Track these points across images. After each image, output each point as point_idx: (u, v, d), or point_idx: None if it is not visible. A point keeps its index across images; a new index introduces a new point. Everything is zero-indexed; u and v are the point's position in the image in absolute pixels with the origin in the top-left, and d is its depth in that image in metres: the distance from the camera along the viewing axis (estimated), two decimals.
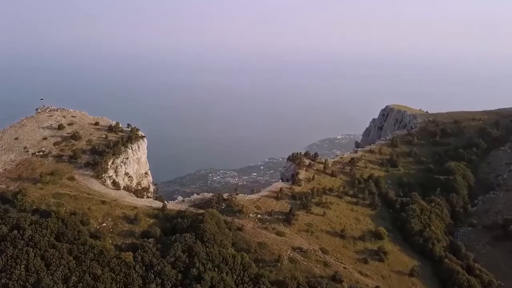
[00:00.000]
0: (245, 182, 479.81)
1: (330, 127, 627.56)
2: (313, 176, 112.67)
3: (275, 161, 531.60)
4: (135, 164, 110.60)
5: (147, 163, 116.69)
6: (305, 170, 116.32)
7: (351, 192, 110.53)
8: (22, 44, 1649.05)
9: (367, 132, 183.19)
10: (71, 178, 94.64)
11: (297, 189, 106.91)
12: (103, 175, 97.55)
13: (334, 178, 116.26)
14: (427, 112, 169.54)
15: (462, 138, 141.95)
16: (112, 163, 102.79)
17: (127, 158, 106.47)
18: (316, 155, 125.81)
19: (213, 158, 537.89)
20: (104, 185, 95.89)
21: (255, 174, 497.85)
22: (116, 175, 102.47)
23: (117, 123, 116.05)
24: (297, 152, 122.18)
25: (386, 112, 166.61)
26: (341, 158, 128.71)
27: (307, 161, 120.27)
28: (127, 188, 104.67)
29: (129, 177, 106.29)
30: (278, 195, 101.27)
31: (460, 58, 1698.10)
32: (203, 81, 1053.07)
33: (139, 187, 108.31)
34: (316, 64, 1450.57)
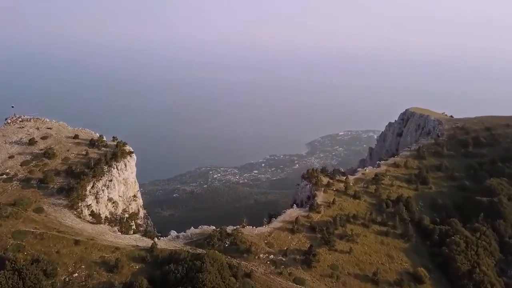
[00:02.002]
0: (246, 180, 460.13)
1: (332, 123, 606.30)
2: (334, 200, 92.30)
3: (276, 158, 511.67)
4: (121, 186, 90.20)
5: (136, 183, 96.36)
6: (324, 192, 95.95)
7: (379, 219, 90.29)
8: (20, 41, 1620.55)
9: (382, 137, 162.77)
10: (39, 210, 74.43)
11: (315, 217, 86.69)
12: (80, 204, 77.17)
13: (358, 201, 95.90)
14: (451, 116, 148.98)
15: (498, 148, 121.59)
16: (92, 187, 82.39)
17: (110, 181, 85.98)
18: (334, 172, 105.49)
19: (213, 155, 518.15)
20: (80, 217, 75.60)
21: (256, 171, 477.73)
22: (97, 202, 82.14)
23: (100, 136, 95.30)
24: (313, 169, 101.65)
25: (406, 117, 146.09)
26: (363, 174, 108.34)
27: (325, 180, 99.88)
28: (111, 216, 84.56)
29: (113, 203, 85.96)
30: (294, 227, 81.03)
31: (459, 55, 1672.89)
32: (205, 77, 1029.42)
33: (126, 214, 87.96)
34: (318, 59, 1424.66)
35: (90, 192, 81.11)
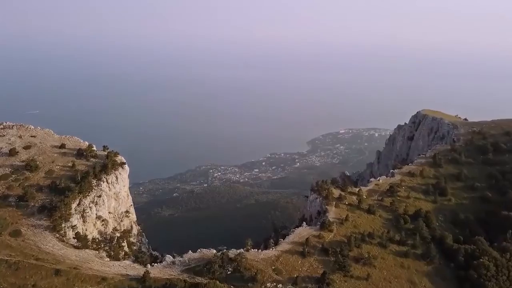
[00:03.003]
0: (246, 179, 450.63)
1: (333, 121, 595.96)
2: (347, 216, 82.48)
3: (277, 156, 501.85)
4: (111, 202, 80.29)
5: (129, 196, 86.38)
6: (335, 206, 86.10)
7: (397, 238, 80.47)
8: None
9: (391, 140, 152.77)
10: (16, 233, 64.58)
11: (328, 236, 76.92)
12: (63, 226, 67.29)
13: (373, 216, 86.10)
14: (465, 119, 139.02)
15: None
16: (78, 204, 72.49)
17: (99, 196, 76.06)
18: (345, 182, 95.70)
19: (214, 153, 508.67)
20: (63, 240, 65.76)
21: (256, 170, 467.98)
22: (84, 221, 72.27)
23: (90, 146, 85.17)
24: (323, 181, 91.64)
25: (417, 119, 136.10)
26: (376, 184, 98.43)
27: (336, 192, 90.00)
28: (100, 236, 74.86)
29: (102, 221, 76.10)
30: (304, 249, 71.32)
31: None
32: (205, 75, 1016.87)
33: (117, 234, 78.13)
34: (318, 57, 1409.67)
35: (75, 210, 71.23)
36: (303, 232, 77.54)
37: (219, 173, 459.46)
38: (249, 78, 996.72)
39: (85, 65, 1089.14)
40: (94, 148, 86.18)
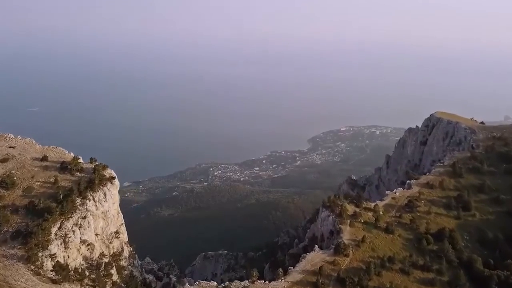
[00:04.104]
0: (247, 178, 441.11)
1: (333, 119, 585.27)
2: (364, 237, 72.47)
3: (277, 154, 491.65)
4: (99, 222, 70.10)
5: (120, 214, 76.15)
6: (350, 225, 76.10)
7: (421, 262, 70.47)
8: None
9: (400, 143, 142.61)
10: None
11: (343, 262, 66.94)
12: (40, 255, 57.03)
13: (392, 236, 76.06)
14: (482, 123, 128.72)
15: None
16: (60, 228, 62.20)
17: (84, 217, 65.80)
18: (359, 196, 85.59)
19: (214, 151, 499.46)
20: (40, 273, 55.51)
21: (257, 168, 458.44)
22: (66, 248, 62.03)
23: (75, 158, 74.76)
24: (335, 196, 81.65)
25: (431, 123, 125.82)
26: (393, 198, 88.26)
27: (350, 209, 79.94)
28: (86, 263, 64.82)
29: (87, 245, 65.83)
30: (318, 280, 61.34)
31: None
32: (204, 71, 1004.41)
33: (105, 259, 67.99)
34: (319, 54, 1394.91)
35: (56, 235, 60.97)
36: (315, 258, 67.46)
37: (219, 171, 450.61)
38: (249, 75, 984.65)
39: (85, 62, 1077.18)
40: (81, 161, 75.85)
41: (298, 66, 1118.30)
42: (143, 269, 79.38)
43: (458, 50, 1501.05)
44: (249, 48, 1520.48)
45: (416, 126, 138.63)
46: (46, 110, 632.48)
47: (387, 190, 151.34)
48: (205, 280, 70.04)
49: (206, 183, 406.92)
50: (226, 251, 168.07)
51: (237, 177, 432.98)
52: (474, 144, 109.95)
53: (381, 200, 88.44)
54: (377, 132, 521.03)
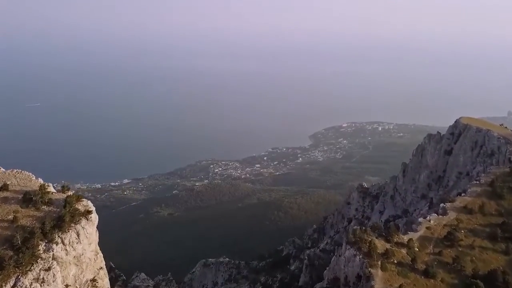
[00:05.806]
0: (248, 175, 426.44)
1: (335, 114, 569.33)
2: (401, 286, 56.93)
3: (278, 151, 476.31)
4: (70, 269, 54.29)
5: (99, 256, 59.93)
6: (381, 268, 60.51)
7: None
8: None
9: (419, 151, 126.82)
10: None
11: None
12: None
13: (433, 281, 60.54)
14: None
15: None
16: (14, 286, 46.81)
17: (48, 269, 50.07)
18: (389, 227, 69.89)
19: (214, 147, 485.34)
20: None
21: (258, 165, 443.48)
22: None
23: (42, 186, 58.12)
24: (361, 229, 65.99)
25: (457, 131, 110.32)
26: (427, 228, 72.47)
27: (380, 246, 64.27)
28: None
29: None
30: None
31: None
32: (205, 66, 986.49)
33: None
34: (319, 48, 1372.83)
35: None
36: None
37: (220, 169, 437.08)
38: (249, 70, 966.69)
39: (86, 57, 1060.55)
40: (51, 189, 59.65)
41: (298, 61, 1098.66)
42: None
43: (460, 45, 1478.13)
44: (249, 42, 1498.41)
45: (438, 132, 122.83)
46: (47, 106, 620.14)
47: (402, 202, 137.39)
48: None
49: (207, 181, 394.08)
50: (227, 259, 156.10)
51: (238, 174, 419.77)
52: (511, 156, 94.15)
53: (412, 229, 72.78)
54: (380, 128, 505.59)
